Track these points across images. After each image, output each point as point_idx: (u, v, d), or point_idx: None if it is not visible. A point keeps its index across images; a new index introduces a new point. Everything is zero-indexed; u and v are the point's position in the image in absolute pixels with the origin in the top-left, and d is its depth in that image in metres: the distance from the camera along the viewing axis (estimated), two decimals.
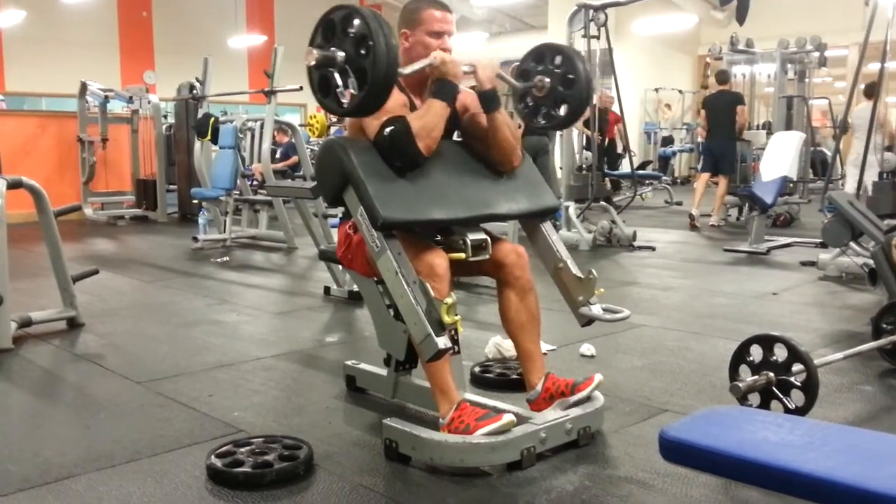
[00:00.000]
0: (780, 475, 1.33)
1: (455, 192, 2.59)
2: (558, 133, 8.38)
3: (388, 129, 2.46)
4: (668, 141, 16.60)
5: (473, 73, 2.60)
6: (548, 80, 2.81)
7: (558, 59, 2.81)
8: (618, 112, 10.98)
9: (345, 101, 2.33)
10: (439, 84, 2.53)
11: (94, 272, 4.54)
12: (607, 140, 10.59)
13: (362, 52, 2.25)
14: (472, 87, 2.71)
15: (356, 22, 2.28)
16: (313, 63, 2.29)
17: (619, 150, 11.37)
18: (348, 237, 2.70)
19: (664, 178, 13.72)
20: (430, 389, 2.48)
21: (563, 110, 2.83)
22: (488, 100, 2.65)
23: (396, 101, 2.54)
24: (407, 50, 2.62)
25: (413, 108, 2.60)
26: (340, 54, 2.29)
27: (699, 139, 11.83)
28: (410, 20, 2.64)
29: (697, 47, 17.53)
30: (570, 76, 2.77)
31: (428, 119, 2.49)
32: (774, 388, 2.61)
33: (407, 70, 2.47)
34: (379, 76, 2.22)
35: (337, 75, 2.31)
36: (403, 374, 2.88)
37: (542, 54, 2.87)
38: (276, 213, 7.53)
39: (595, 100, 11.06)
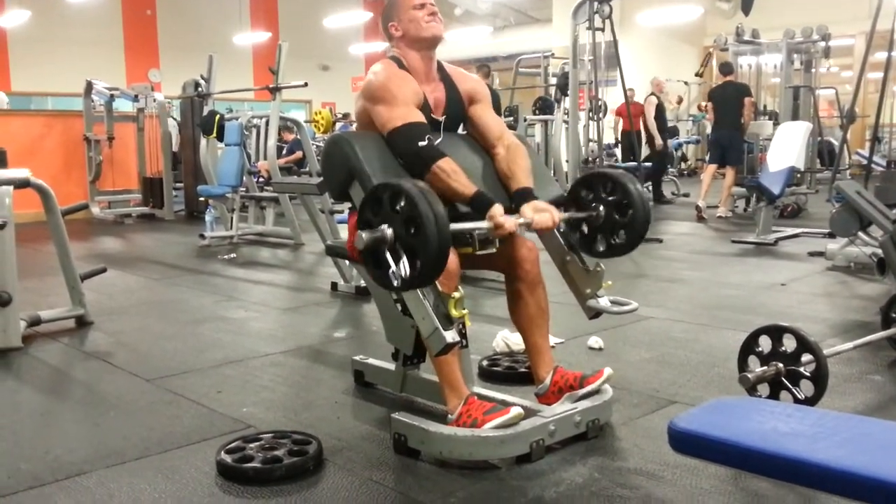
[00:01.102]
0: (790, 465, 1.33)
1: None
2: (563, 125, 8.36)
3: (421, 144, 2.43)
4: (672, 132, 16.52)
5: (530, 223, 2.47)
6: (603, 209, 2.66)
7: (610, 186, 2.66)
8: (640, 102, 10.99)
9: (396, 280, 2.20)
10: (479, 204, 2.41)
11: (101, 270, 4.56)
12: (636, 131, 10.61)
13: (412, 230, 2.13)
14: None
15: (403, 201, 2.15)
16: (362, 248, 2.18)
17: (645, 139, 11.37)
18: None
19: (671, 169, 13.69)
20: (439, 384, 2.49)
21: (622, 237, 2.65)
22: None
23: (410, 87, 2.54)
24: (402, 37, 2.62)
25: (424, 98, 2.59)
26: (389, 233, 2.17)
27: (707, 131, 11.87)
28: (392, 9, 2.64)
29: (703, 38, 17.45)
30: (625, 202, 2.62)
31: (445, 189, 2.40)
32: (783, 379, 2.60)
33: (457, 228, 2.31)
34: (431, 257, 2.11)
35: (388, 255, 2.20)
36: (411, 368, 2.88)
37: (591, 182, 2.73)
38: (283, 210, 7.54)
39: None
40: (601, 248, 2.71)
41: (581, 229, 2.75)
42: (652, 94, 11.09)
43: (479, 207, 2.42)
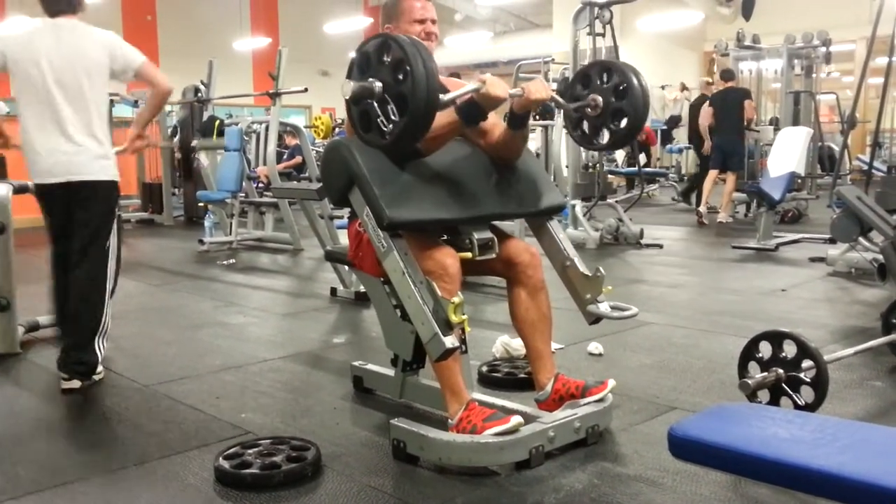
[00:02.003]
0: (790, 471, 1.32)
1: (461, 192, 2.58)
2: (563, 130, 8.36)
3: None
4: (674, 122, 16.48)
5: (524, 94, 2.46)
6: (599, 97, 2.63)
7: (606, 75, 2.64)
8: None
9: (386, 132, 2.22)
10: (469, 106, 2.40)
11: None
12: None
13: (400, 77, 2.17)
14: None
15: (391, 49, 2.18)
16: (349, 95, 2.19)
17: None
18: (358, 235, 2.69)
19: (671, 175, 13.71)
20: (439, 389, 2.48)
21: (623, 123, 2.63)
22: (519, 120, 2.56)
23: None
24: None
25: None
26: (378, 84, 2.20)
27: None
28: (392, 14, 2.64)
29: (703, 44, 17.47)
30: (623, 86, 2.60)
31: (437, 127, 2.38)
32: (784, 385, 2.60)
33: (448, 97, 2.32)
34: (420, 100, 2.12)
35: (376, 105, 2.22)
36: (411, 374, 2.88)
37: (587, 75, 2.70)
38: (282, 215, 7.54)
39: None
40: (603, 140, 2.70)
41: (582, 126, 2.74)
42: (702, 94, 10.91)
43: (465, 110, 2.40)
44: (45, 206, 3.35)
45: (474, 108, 2.40)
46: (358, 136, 2.36)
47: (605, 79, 2.65)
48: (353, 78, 2.26)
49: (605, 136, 2.69)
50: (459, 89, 2.40)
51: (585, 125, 2.74)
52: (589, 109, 2.67)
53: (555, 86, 7.65)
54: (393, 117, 2.20)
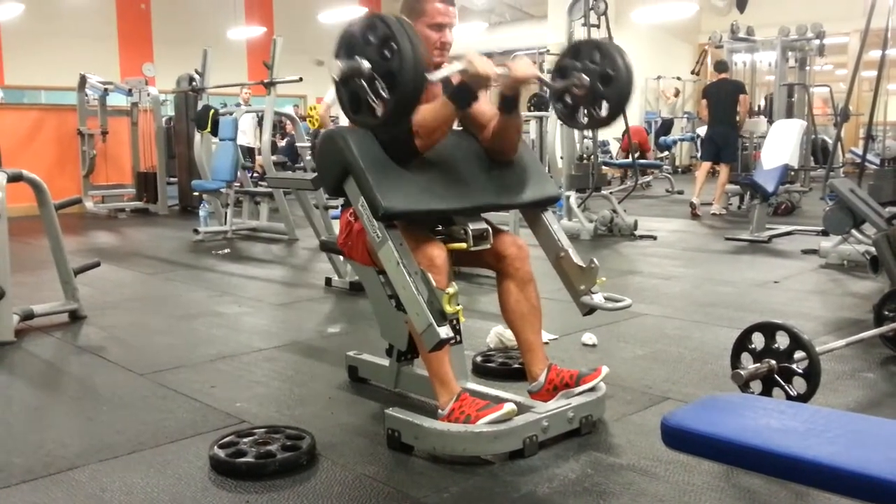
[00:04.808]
0: (782, 461, 1.33)
1: (456, 182, 2.58)
2: (558, 122, 8.36)
3: None
4: (667, 127, 16.48)
5: (509, 74, 2.45)
6: (586, 77, 2.59)
7: (597, 56, 2.59)
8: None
9: (378, 110, 2.22)
10: (459, 89, 2.40)
11: (95, 265, 4.54)
12: None
13: (387, 55, 2.16)
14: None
15: (378, 27, 2.18)
16: (338, 75, 2.19)
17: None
18: (349, 224, 2.70)
19: (665, 166, 13.73)
20: (430, 379, 2.49)
21: (603, 109, 2.62)
22: (510, 103, 2.56)
23: None
24: None
25: None
26: (365, 63, 2.20)
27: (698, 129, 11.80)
28: (412, 11, 2.58)
29: (698, 35, 17.46)
30: (610, 72, 2.56)
31: (431, 119, 2.41)
32: (776, 376, 2.61)
33: (436, 76, 2.34)
34: (408, 75, 2.12)
35: (365, 84, 2.21)
36: (405, 364, 2.88)
37: (579, 50, 2.66)
38: (277, 205, 7.53)
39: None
40: (583, 121, 2.70)
41: (564, 100, 2.72)
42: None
43: (456, 93, 2.40)
44: None
45: (464, 90, 2.40)
46: (349, 118, 2.36)
47: (594, 58, 2.61)
48: (340, 58, 2.27)
49: (587, 117, 2.69)
50: (448, 69, 2.41)
51: (568, 100, 2.72)
52: (575, 89, 2.64)
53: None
54: (383, 94, 2.20)
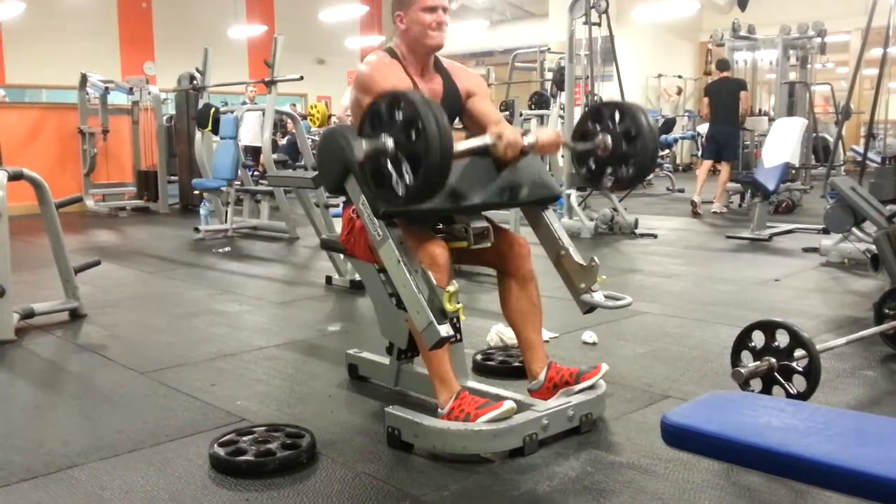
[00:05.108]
0: (782, 460, 1.33)
1: (457, 181, 2.56)
2: (559, 120, 8.37)
3: None
4: (669, 126, 16.45)
5: (535, 144, 2.49)
6: (609, 138, 2.58)
7: (618, 116, 2.59)
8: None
9: (400, 191, 2.17)
10: (483, 153, 2.42)
11: (96, 263, 4.55)
12: None
13: (413, 136, 2.10)
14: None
15: (403, 106, 2.13)
16: (363, 156, 2.15)
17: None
18: (351, 221, 2.70)
19: (665, 165, 13.72)
20: (429, 377, 2.49)
21: (630, 170, 2.58)
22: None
23: (396, 75, 2.52)
24: (404, 32, 2.59)
25: (415, 88, 2.58)
26: (390, 142, 2.15)
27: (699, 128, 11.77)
28: (403, 1, 2.60)
29: (699, 34, 17.46)
30: (633, 132, 2.54)
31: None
32: (776, 374, 2.61)
33: (462, 146, 2.32)
34: (433, 161, 2.07)
35: (390, 164, 2.17)
36: (405, 362, 2.89)
37: (600, 112, 2.65)
38: (278, 204, 7.53)
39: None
40: (608, 183, 2.66)
41: (588, 164, 2.69)
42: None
43: (480, 152, 2.42)
44: None
45: (487, 155, 2.42)
46: (371, 191, 2.31)
47: (616, 119, 2.60)
48: (364, 133, 2.21)
49: (612, 179, 2.64)
50: (474, 141, 2.40)
51: (592, 163, 2.68)
52: (599, 151, 2.61)
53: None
54: (406, 174, 2.14)
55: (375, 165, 2.19)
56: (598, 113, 2.66)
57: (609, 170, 2.63)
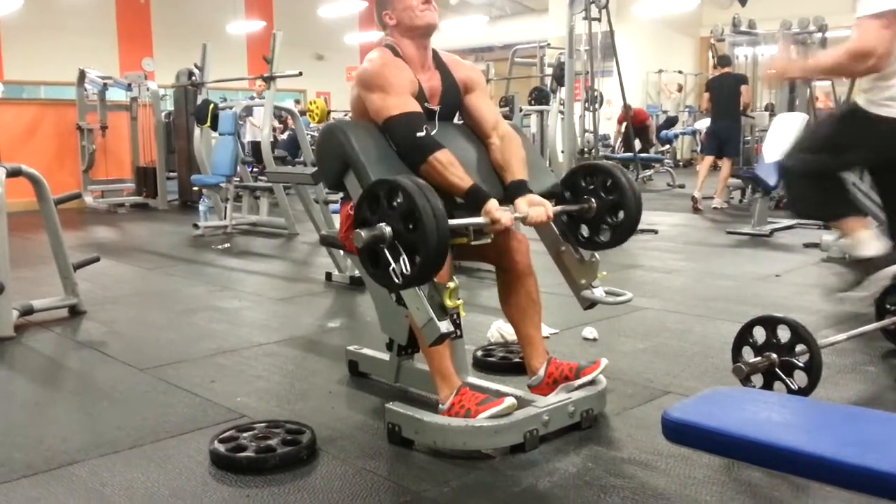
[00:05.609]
0: (783, 455, 1.33)
1: None
2: (559, 116, 8.36)
3: (419, 135, 2.42)
4: (671, 123, 16.45)
5: (525, 221, 2.50)
6: (593, 199, 2.66)
7: (609, 182, 2.64)
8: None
9: (397, 278, 2.18)
10: (475, 198, 2.41)
11: (95, 260, 4.54)
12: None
13: (410, 226, 2.12)
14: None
15: (400, 195, 2.14)
16: (361, 246, 2.17)
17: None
18: (349, 217, 2.69)
19: (666, 160, 13.71)
20: (430, 373, 2.48)
21: (607, 237, 2.68)
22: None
23: (405, 75, 2.51)
24: (396, 26, 2.57)
25: (419, 87, 2.57)
26: (388, 230, 2.17)
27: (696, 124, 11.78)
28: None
29: (699, 29, 17.45)
30: (617, 195, 2.62)
31: (447, 176, 2.40)
32: (777, 370, 2.61)
33: (456, 223, 2.31)
34: (430, 252, 2.10)
35: (387, 251, 2.18)
36: (406, 358, 2.88)
37: (592, 173, 2.71)
38: (277, 200, 7.52)
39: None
40: (593, 240, 2.71)
41: (580, 230, 2.74)
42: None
43: (474, 201, 2.41)
44: None
45: (476, 201, 2.42)
46: (368, 272, 2.31)
47: (606, 185, 2.64)
48: (361, 214, 2.22)
49: (608, 233, 2.68)
50: (467, 221, 2.37)
51: (584, 229, 2.73)
52: (585, 213, 2.68)
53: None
54: (403, 263, 2.16)
55: (373, 252, 2.21)
56: (581, 174, 2.72)
57: (591, 229, 2.70)
